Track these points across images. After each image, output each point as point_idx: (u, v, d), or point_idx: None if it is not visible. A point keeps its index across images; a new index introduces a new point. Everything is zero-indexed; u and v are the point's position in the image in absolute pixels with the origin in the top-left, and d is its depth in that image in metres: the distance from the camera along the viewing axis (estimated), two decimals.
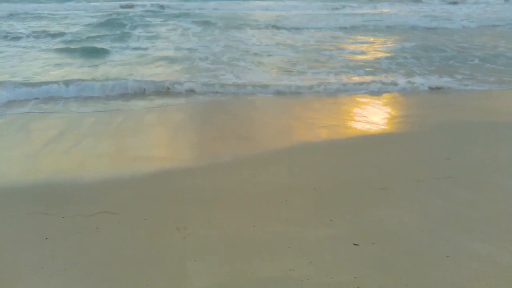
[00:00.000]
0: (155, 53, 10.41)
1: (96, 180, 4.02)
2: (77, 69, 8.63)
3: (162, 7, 20.53)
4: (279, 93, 6.91)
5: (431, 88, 7.48)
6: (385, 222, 3.19)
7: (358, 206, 3.44)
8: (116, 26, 14.71)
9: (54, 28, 14.10)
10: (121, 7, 20.68)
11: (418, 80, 7.82)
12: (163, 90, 6.89)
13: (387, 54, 10.48)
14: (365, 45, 11.92)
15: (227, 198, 3.63)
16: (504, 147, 4.86)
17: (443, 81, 7.82)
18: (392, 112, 6.28)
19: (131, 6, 20.63)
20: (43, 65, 8.99)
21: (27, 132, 5.40)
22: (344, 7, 21.28)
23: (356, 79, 8.00)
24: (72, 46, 11.20)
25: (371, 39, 12.85)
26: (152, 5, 21.34)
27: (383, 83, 7.57)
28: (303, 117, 5.97)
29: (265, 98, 6.83)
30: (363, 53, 10.74)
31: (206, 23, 15.20)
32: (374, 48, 11.51)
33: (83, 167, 4.31)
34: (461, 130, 5.44)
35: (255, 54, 10.45)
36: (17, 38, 12.22)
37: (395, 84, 7.53)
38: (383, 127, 5.59)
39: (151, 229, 3.10)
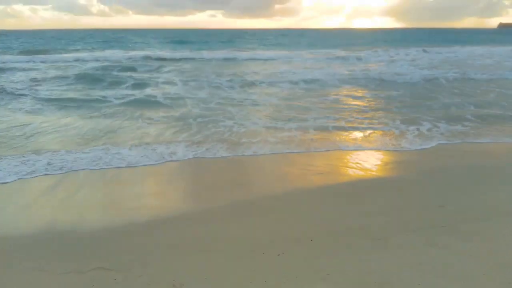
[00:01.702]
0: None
1: (91, 232, 4.00)
2: (80, 121, 8.81)
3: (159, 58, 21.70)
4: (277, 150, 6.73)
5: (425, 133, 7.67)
6: (383, 276, 3.18)
7: (355, 258, 3.44)
8: (111, 77, 15.27)
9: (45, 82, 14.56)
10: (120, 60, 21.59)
11: (421, 127, 8.06)
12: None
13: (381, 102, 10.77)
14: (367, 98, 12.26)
15: (224, 250, 3.61)
16: (497, 194, 4.92)
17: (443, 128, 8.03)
18: (384, 159, 6.39)
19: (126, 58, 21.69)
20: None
21: (22, 184, 5.40)
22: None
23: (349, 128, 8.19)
24: (71, 95, 11.55)
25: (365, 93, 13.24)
26: (146, 56, 22.63)
27: (380, 131, 7.72)
28: (300, 164, 6.05)
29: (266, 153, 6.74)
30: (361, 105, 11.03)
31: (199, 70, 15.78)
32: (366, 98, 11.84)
33: (78, 220, 4.30)
34: (454, 175, 5.53)
35: (254, 103, 10.74)
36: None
37: (395, 133, 7.67)
38: (377, 173, 5.68)
39: (147, 287, 3.07)
